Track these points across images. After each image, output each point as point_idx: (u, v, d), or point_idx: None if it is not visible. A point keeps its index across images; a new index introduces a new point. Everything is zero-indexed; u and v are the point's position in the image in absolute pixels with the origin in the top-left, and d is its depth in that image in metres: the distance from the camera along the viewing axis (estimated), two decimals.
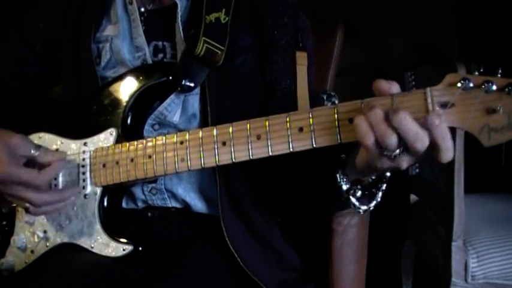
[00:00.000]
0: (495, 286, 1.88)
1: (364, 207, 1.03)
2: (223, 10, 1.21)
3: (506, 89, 0.85)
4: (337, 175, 1.02)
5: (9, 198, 1.19)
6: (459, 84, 0.87)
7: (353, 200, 1.02)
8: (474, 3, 3.24)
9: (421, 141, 0.86)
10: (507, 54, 2.82)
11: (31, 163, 1.18)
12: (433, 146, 0.87)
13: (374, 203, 1.03)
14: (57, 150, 1.24)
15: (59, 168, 1.20)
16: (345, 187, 1.02)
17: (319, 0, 2.67)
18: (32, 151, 1.17)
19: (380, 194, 1.02)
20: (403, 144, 0.87)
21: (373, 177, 1.01)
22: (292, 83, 1.24)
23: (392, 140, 0.86)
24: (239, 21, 1.23)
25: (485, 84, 0.86)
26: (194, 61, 1.19)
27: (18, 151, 1.16)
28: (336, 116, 0.95)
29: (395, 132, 0.86)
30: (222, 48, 1.20)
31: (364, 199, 1.02)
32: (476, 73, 0.88)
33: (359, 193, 1.02)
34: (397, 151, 0.88)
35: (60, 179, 1.23)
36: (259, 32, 1.24)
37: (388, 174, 0.99)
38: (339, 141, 0.95)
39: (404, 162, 0.91)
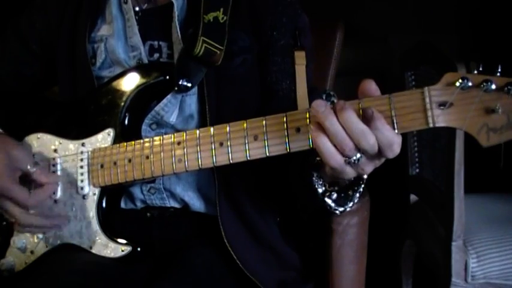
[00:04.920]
0: (495, 286, 1.88)
1: (341, 209, 1.04)
2: (221, 9, 1.21)
3: (506, 89, 0.85)
4: (313, 178, 1.02)
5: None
6: (458, 84, 0.86)
7: (329, 201, 1.03)
8: (474, 3, 3.24)
9: (366, 140, 0.86)
10: (507, 53, 2.82)
11: (26, 177, 1.18)
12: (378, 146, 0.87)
13: (351, 204, 1.03)
14: (55, 150, 1.24)
15: (51, 191, 1.20)
16: (320, 190, 1.03)
17: (319, 0, 2.67)
18: (29, 167, 1.17)
19: (357, 195, 1.02)
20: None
21: (351, 179, 1.01)
22: (292, 83, 1.24)
23: (351, 144, 0.86)
24: (238, 21, 1.23)
25: (484, 84, 0.85)
26: (192, 61, 1.18)
27: (16, 164, 1.16)
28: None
29: (351, 138, 0.86)
30: (221, 48, 1.19)
31: (341, 201, 1.03)
32: (475, 72, 0.87)
33: (335, 195, 1.02)
34: (358, 154, 0.88)
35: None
36: (259, 32, 1.24)
37: (365, 176, 1.00)
38: None
39: (367, 167, 0.91)
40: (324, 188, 1.03)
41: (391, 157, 0.89)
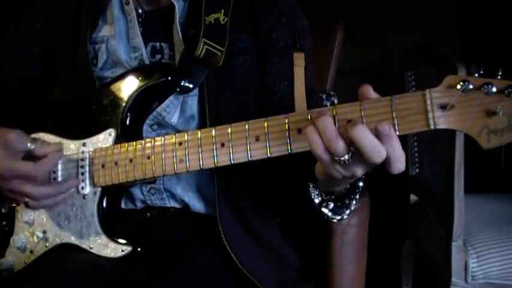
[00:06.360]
0: (495, 286, 1.88)
1: (338, 217, 1.05)
2: (222, 11, 1.21)
3: (506, 91, 0.85)
4: (309, 189, 1.03)
5: (9, 193, 1.19)
6: (459, 86, 0.87)
7: (326, 211, 1.04)
8: (474, 2, 3.24)
9: (378, 154, 0.86)
10: (507, 54, 2.82)
11: (29, 157, 1.17)
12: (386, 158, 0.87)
13: (348, 212, 1.04)
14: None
15: (56, 158, 1.19)
16: (317, 200, 1.04)
17: (319, 1, 2.67)
18: (29, 144, 1.16)
19: (354, 202, 1.03)
20: (352, 150, 0.88)
21: (347, 187, 1.02)
22: (290, 84, 1.24)
23: (339, 145, 0.87)
24: (238, 22, 1.23)
25: (485, 86, 0.86)
26: (193, 62, 1.18)
27: (15, 146, 1.15)
28: (335, 117, 0.94)
29: (342, 137, 0.87)
30: (222, 49, 1.20)
31: (338, 209, 1.04)
32: (476, 75, 0.88)
33: (331, 205, 1.04)
34: (346, 156, 0.88)
35: (60, 179, 1.23)
36: (258, 33, 1.24)
37: (360, 184, 1.01)
38: None
39: (358, 170, 0.91)
40: (320, 198, 1.04)
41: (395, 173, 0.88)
